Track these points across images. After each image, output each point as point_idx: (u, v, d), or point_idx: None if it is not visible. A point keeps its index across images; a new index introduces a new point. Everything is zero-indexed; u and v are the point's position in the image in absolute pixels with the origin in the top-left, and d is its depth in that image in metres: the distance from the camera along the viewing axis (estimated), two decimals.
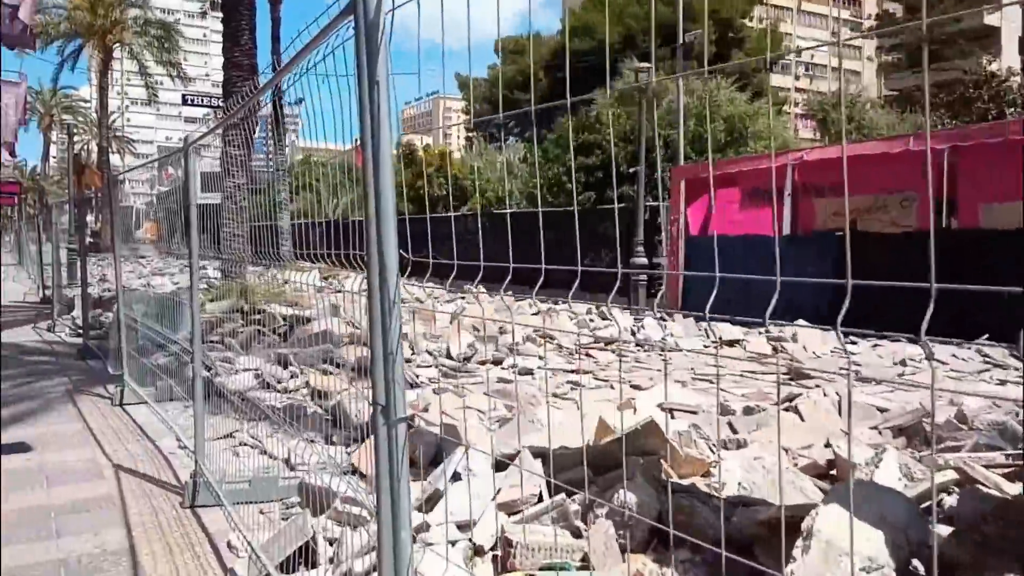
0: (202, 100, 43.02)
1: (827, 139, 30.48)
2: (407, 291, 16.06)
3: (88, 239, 37.87)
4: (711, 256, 2.04)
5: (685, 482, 3.54)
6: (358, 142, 2.05)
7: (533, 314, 11.96)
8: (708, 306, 1.66)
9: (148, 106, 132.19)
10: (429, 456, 4.56)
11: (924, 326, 1.25)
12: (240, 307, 11.19)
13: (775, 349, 10.39)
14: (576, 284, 1.95)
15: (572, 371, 8.04)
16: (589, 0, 45.08)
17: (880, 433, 4.87)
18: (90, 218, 52.43)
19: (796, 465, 3.87)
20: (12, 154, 34.62)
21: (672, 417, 5.82)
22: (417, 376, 7.36)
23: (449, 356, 8.32)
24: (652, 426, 3.60)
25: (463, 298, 14.37)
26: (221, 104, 40.19)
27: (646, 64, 13.26)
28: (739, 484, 3.67)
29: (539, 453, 3.82)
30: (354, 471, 4.29)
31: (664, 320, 12.69)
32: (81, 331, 10.91)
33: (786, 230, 13.72)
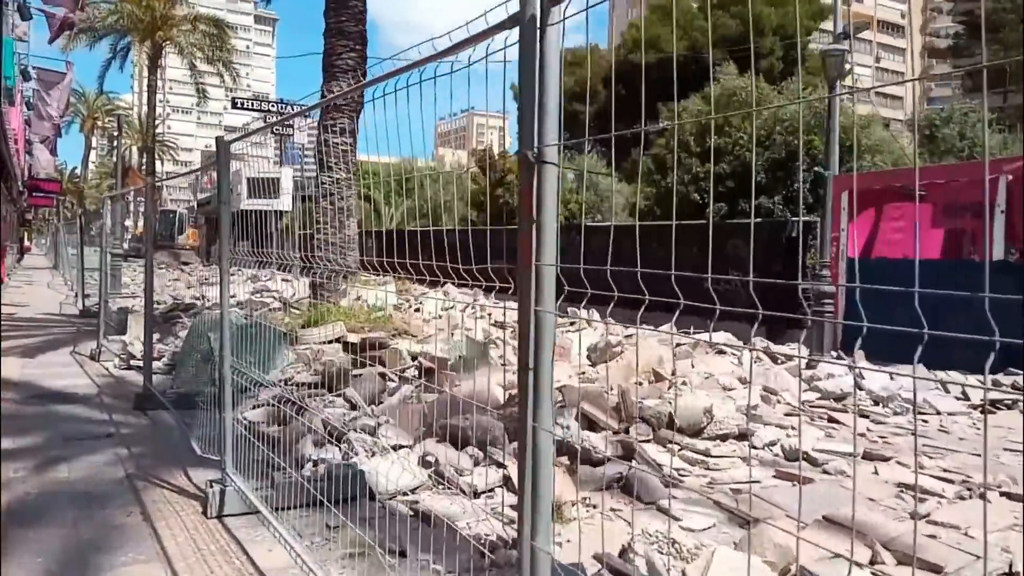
0: (252, 104, 41.25)
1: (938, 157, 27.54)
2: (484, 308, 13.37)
3: (128, 243, 35.85)
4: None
5: None
6: None
7: (711, 351, 9.33)
8: None
9: (188, 114, 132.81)
10: None
11: None
12: (343, 338, 8.72)
13: None
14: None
15: (868, 456, 5.43)
16: (653, 14, 43.34)
17: None
18: (128, 222, 50.91)
19: None
20: (52, 153, 32.68)
21: None
22: (661, 467, 4.77)
23: (673, 426, 5.71)
24: None
25: (572, 323, 11.75)
26: (271, 110, 38.35)
27: (839, 47, 10.68)
28: None
29: None
30: None
31: (840, 360, 10.03)
32: (137, 364, 8.49)
33: (997, 254, 10.99)
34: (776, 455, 5.48)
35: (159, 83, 46.32)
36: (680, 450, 5.34)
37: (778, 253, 12.66)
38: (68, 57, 29.48)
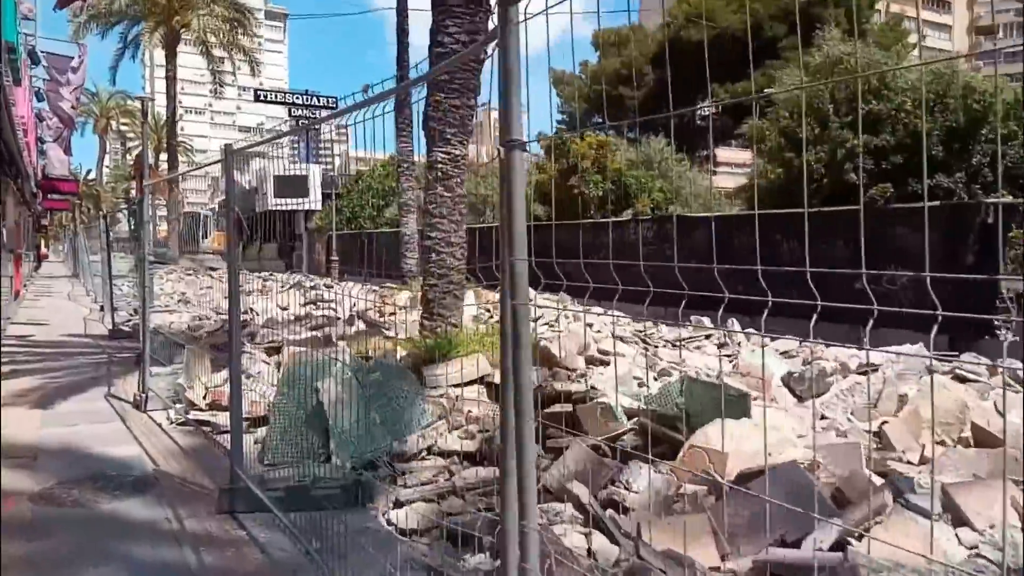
0: (275, 96, 38.90)
1: None
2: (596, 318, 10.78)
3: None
4: None
5: None
6: None
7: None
8: None
9: (201, 114, 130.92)
10: None
11: None
12: (487, 376, 6.29)
13: None
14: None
15: None
16: None
17: None
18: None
19: None
20: (67, 151, 30.36)
21: None
22: None
23: None
24: None
25: (725, 340, 9.10)
26: (296, 102, 36.02)
27: None
28: None
29: None
30: None
31: None
32: (198, 416, 6.08)
33: None
34: None
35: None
36: None
37: (966, 243, 10.15)
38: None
